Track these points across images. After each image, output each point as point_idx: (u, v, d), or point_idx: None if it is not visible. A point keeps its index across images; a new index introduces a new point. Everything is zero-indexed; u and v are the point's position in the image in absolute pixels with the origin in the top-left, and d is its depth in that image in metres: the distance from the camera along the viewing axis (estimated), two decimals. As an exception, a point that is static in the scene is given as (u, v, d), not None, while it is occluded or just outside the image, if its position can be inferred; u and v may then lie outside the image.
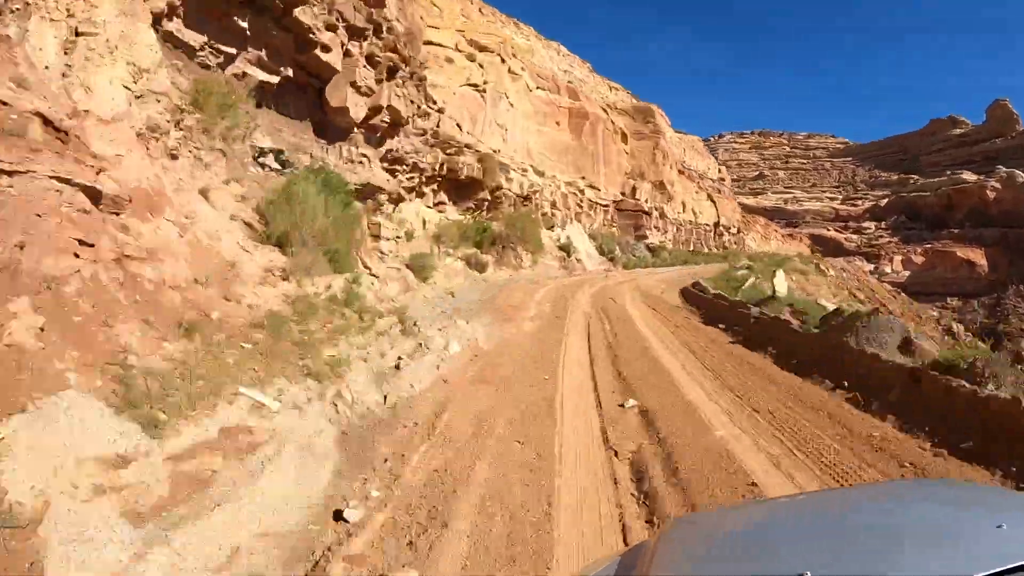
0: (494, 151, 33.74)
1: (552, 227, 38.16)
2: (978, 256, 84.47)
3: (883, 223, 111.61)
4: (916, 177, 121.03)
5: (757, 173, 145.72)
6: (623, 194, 47.67)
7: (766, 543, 1.49)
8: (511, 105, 38.19)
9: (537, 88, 43.89)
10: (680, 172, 57.14)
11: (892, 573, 1.16)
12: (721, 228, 62.22)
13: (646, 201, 48.12)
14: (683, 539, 1.68)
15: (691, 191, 58.24)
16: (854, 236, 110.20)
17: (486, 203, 31.62)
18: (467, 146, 29.76)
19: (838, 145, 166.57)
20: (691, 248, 54.30)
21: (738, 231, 67.19)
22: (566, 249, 36.97)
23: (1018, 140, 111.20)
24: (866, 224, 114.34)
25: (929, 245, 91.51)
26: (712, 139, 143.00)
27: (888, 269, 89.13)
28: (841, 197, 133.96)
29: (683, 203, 55.06)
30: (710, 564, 1.48)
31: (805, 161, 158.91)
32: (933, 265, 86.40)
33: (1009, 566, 1.06)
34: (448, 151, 28.17)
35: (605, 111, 49.48)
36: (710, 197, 62.00)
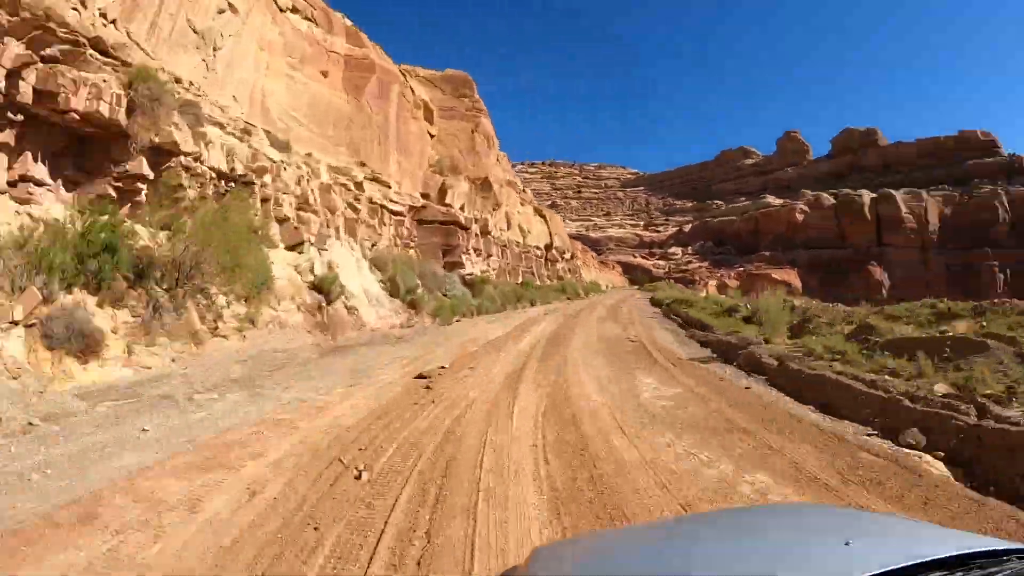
0: (177, 79, 15.12)
1: (299, 245, 19.56)
2: (792, 277, 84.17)
3: (689, 248, 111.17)
4: (720, 203, 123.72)
5: (550, 203, 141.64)
6: (426, 196, 30.82)
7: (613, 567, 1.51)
8: (231, 8, 19.43)
9: (293, 11, 25.49)
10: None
11: None
12: (555, 252, 48.00)
13: (462, 208, 31.76)
14: (552, 558, 1.67)
15: (515, 202, 43.39)
16: (662, 262, 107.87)
17: (143, 186, 12.76)
18: (98, 47, 10.93)
19: (629, 176, 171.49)
20: (519, 279, 39.14)
21: (572, 256, 53.63)
22: (324, 288, 18.65)
23: (810, 169, 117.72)
24: (672, 250, 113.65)
25: (742, 268, 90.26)
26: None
27: (704, 294, 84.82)
28: (642, 224, 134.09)
29: (507, 216, 39.92)
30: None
31: (597, 191, 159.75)
32: (749, 288, 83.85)
33: None
34: (44, 49, 9.26)
35: (403, 75, 32.59)
36: (539, 212, 47.65)
